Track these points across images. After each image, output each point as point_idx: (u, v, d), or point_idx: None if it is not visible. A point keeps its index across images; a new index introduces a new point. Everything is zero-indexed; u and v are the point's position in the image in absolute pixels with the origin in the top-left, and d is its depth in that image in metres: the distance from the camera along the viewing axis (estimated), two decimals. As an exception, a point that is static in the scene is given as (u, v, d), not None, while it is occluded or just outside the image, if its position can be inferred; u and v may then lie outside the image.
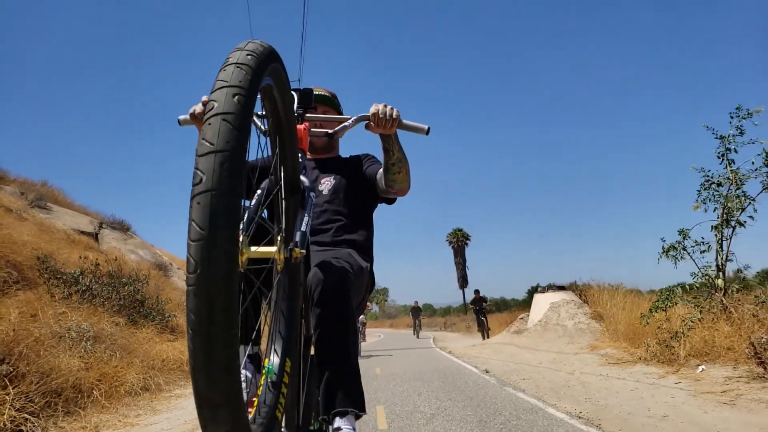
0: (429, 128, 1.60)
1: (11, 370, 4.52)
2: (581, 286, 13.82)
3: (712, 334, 6.78)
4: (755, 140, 7.59)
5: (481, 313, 18.64)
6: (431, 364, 10.71)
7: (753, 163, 7.35)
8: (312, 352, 1.44)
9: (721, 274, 7.62)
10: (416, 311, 25.90)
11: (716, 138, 7.81)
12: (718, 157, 7.86)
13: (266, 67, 0.79)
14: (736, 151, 7.71)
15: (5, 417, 4.04)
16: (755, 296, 7.08)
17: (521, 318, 15.42)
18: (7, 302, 6.29)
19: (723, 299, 7.32)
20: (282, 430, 1.22)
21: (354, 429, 1.30)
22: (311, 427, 1.42)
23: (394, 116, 1.57)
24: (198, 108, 1.53)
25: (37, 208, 13.88)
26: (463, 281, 47.19)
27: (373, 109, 1.58)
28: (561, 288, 13.99)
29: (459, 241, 48.18)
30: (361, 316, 12.81)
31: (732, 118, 7.73)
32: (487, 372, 8.50)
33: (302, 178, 1.23)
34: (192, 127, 1.57)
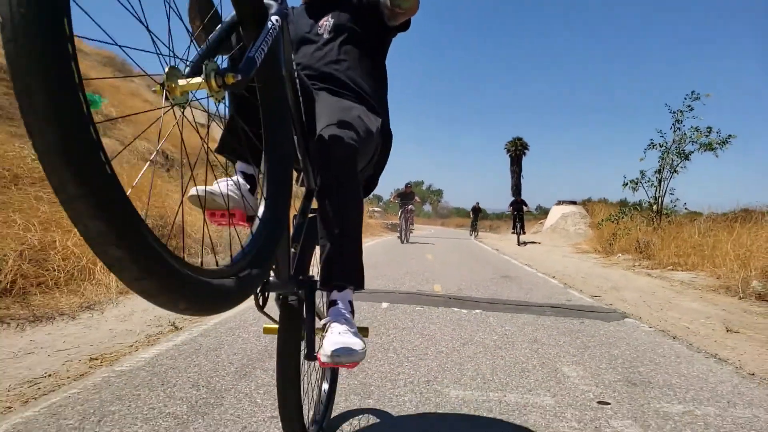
0: None
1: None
2: (586, 202, 18.02)
3: (636, 237, 11.19)
4: (697, 116, 11.38)
5: (519, 216, 19.23)
6: (464, 247, 15.58)
7: (685, 134, 11.26)
8: (314, 205, 1.41)
9: (657, 202, 11.81)
10: (476, 211, 25.65)
11: (670, 112, 11.60)
12: (672, 125, 11.72)
13: None
14: (682, 122, 11.52)
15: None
16: (671, 219, 11.34)
17: (540, 222, 19.95)
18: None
19: (654, 217, 11.63)
20: (271, 278, 1.21)
21: (350, 302, 1.29)
22: (300, 277, 1.34)
23: None
24: None
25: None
26: (516, 189, 49.53)
27: None
28: (573, 203, 18.23)
29: (517, 150, 49.21)
30: (410, 206, 14.91)
31: (685, 98, 11.42)
32: (497, 250, 13.39)
33: (270, 2, 1.08)
34: None
